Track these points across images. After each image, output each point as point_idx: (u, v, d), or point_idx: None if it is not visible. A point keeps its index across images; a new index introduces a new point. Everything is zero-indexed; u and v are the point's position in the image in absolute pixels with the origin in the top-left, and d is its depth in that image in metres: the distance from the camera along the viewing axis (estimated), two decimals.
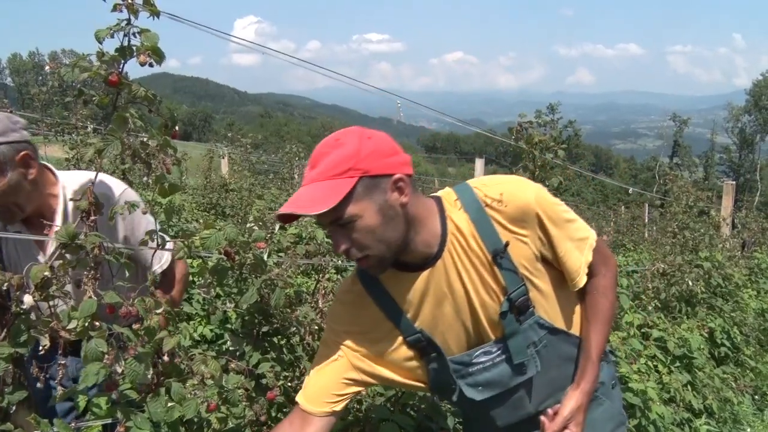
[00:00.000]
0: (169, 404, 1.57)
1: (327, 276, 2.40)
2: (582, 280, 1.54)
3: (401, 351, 1.58)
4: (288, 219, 1.44)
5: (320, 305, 2.11)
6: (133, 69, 1.57)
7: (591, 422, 1.66)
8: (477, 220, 1.46)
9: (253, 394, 1.85)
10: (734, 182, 8.00)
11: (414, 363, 1.60)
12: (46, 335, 1.47)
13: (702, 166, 64.29)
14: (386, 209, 1.37)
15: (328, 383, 1.56)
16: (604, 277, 1.60)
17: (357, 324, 1.57)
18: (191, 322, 3.91)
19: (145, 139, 1.50)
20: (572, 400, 1.57)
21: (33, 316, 1.49)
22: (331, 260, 2.51)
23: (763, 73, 60.14)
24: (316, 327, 2.03)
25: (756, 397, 5.21)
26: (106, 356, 1.42)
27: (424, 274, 1.49)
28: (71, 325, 1.47)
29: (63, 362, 1.50)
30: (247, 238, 1.80)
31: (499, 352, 1.54)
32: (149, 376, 1.59)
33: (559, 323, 1.58)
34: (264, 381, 1.91)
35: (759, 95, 59.53)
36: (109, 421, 1.63)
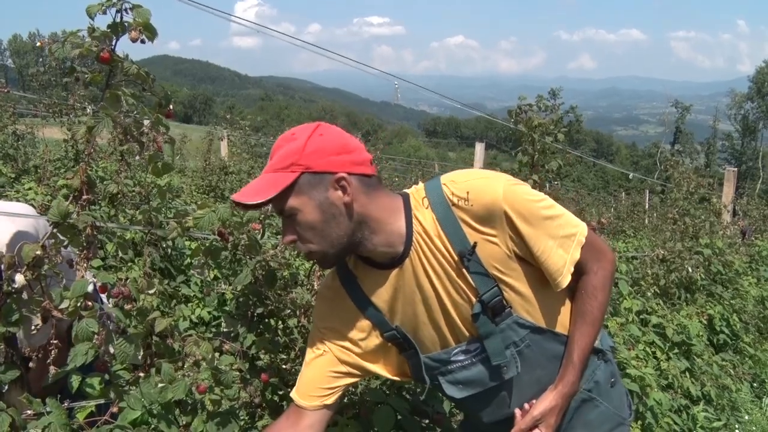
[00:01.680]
0: (161, 385, 1.56)
1: None
2: (565, 281, 1.47)
3: (380, 346, 1.57)
4: (243, 207, 1.45)
5: (315, 287, 2.10)
6: (134, 51, 1.54)
7: (587, 424, 1.64)
8: (443, 220, 1.42)
9: (247, 376, 1.84)
10: (736, 169, 7.96)
11: (394, 358, 1.60)
12: (38, 314, 1.46)
13: (704, 153, 64.09)
14: (326, 206, 1.37)
15: (316, 378, 1.55)
16: (595, 275, 1.52)
17: (337, 320, 1.57)
18: (189, 304, 3.90)
19: (137, 117, 1.47)
20: (546, 401, 1.53)
21: (25, 296, 1.47)
22: None
23: (767, 59, 59.82)
24: (311, 309, 2.02)
25: (754, 384, 5.23)
26: (96, 336, 1.41)
27: (394, 273, 1.48)
28: (63, 305, 1.46)
29: (55, 342, 1.48)
30: (241, 219, 1.78)
31: (477, 351, 1.52)
32: (140, 357, 1.58)
33: (544, 322, 1.53)
34: (259, 363, 1.90)
35: (762, 82, 59.22)
36: (102, 401, 1.63)
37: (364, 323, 1.55)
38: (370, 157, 1.44)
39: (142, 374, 1.65)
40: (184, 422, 1.71)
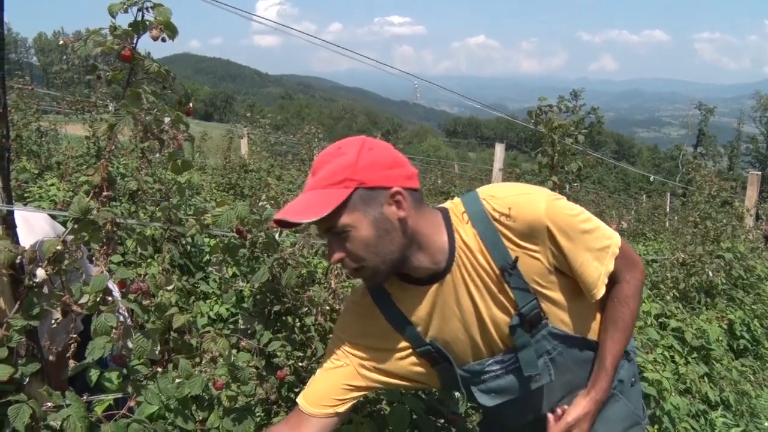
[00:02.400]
0: (178, 380, 1.58)
1: None
2: (600, 292, 1.47)
3: (410, 361, 1.56)
4: (286, 225, 1.43)
5: (333, 285, 2.10)
6: (155, 49, 1.55)
7: (605, 418, 1.64)
8: (485, 235, 1.41)
9: (264, 373, 1.86)
10: (760, 173, 7.83)
11: (423, 371, 1.58)
12: (58, 308, 1.48)
13: (727, 156, 63.22)
14: (381, 222, 1.35)
15: (330, 388, 1.55)
16: (628, 285, 1.53)
17: (365, 335, 1.56)
18: (207, 301, 3.93)
19: (157, 115, 1.49)
20: (579, 407, 1.54)
21: (45, 290, 1.50)
22: None
23: None
24: (328, 308, 2.02)
25: None
26: (114, 331, 1.43)
27: (433, 288, 1.47)
28: (83, 300, 1.48)
29: (74, 336, 1.51)
30: (260, 217, 1.79)
31: (511, 361, 1.52)
32: (157, 352, 1.60)
33: (576, 331, 1.54)
34: (275, 360, 1.91)
35: None
36: (120, 395, 1.65)
37: (396, 340, 1.54)
38: (416, 171, 1.43)
39: (159, 369, 1.67)
40: (200, 417, 1.73)
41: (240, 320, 1.98)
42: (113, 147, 1.58)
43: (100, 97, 5.88)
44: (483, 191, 1.46)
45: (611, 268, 1.47)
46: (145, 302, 1.56)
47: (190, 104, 1.62)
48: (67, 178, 4.97)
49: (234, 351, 1.78)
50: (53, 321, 1.50)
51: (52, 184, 4.87)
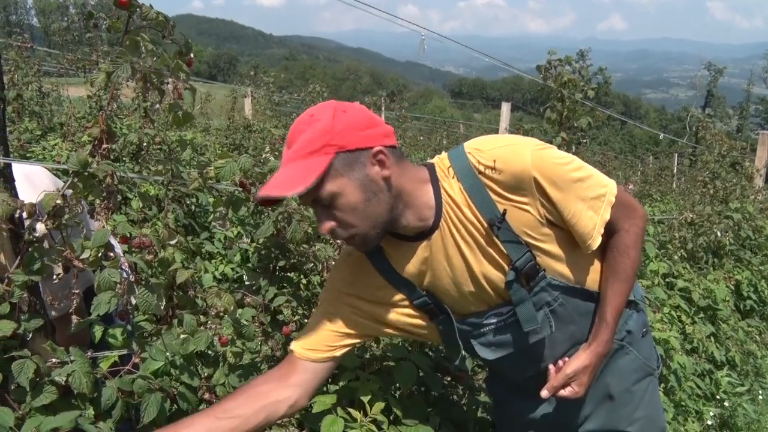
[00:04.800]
0: (183, 336, 1.56)
1: None
2: (595, 243, 1.43)
3: (407, 313, 1.55)
4: (271, 203, 1.40)
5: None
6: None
7: (616, 370, 1.64)
8: (471, 189, 1.38)
9: (269, 329, 1.84)
10: None
11: (422, 323, 1.57)
12: (60, 264, 1.46)
13: (736, 117, 62.51)
14: (368, 184, 1.32)
15: (323, 334, 1.53)
16: (627, 234, 1.49)
17: (358, 287, 1.54)
18: (213, 261, 3.93)
19: (156, 62, 1.44)
20: (579, 359, 1.51)
21: (46, 245, 1.47)
22: None
23: None
24: (334, 263, 2.00)
25: None
26: (119, 286, 1.41)
27: (423, 245, 1.44)
28: (84, 255, 1.46)
29: (77, 291, 1.49)
30: (262, 170, 1.75)
31: (510, 313, 1.49)
32: (162, 307, 1.58)
33: (576, 281, 1.51)
34: (280, 317, 1.89)
35: None
36: (125, 351, 1.64)
37: (389, 292, 1.53)
38: (392, 128, 1.40)
39: (164, 326, 1.66)
40: (205, 374, 1.72)
41: (245, 276, 1.96)
42: (112, 98, 1.54)
43: (101, 55, 5.81)
44: (469, 144, 1.42)
45: (607, 217, 1.43)
46: (148, 257, 1.53)
47: (191, 55, 1.57)
48: (69, 139, 4.94)
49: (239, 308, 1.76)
50: (55, 276, 1.48)
51: (55, 145, 4.84)
